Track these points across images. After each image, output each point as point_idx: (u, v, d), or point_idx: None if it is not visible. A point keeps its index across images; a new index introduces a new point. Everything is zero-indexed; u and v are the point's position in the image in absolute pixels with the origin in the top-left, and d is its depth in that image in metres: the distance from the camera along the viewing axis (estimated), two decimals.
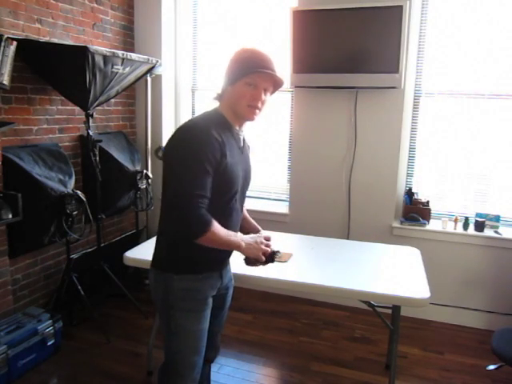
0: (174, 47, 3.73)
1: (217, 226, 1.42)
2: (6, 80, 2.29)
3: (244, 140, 1.63)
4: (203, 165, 1.37)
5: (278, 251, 1.59)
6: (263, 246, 1.54)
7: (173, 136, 1.44)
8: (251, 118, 1.52)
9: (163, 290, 1.53)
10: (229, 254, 1.66)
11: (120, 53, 2.76)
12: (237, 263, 1.84)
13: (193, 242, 1.43)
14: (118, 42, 3.45)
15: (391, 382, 2.08)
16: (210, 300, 1.60)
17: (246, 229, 1.81)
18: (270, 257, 1.57)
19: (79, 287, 2.86)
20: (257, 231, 1.80)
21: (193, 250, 1.49)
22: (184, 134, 1.43)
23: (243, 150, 1.59)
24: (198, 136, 1.39)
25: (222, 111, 1.53)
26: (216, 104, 1.56)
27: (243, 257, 1.58)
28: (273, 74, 1.45)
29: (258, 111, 1.50)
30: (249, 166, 1.66)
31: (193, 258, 1.53)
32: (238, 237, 1.53)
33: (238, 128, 1.56)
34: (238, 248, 1.50)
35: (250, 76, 1.44)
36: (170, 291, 1.52)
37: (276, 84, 1.51)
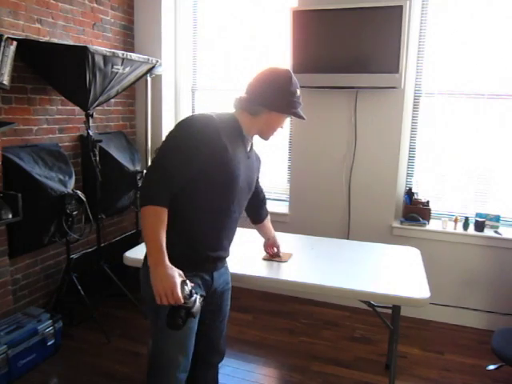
0: (174, 47, 3.74)
1: (156, 213, 1.37)
2: (6, 80, 2.29)
3: (252, 147, 1.67)
4: (190, 149, 1.41)
5: (191, 311, 1.31)
6: (177, 292, 1.30)
7: (182, 120, 1.49)
8: (268, 139, 1.65)
9: (150, 287, 1.46)
10: (220, 254, 1.63)
11: (120, 53, 2.76)
12: (235, 263, 1.84)
13: (176, 240, 1.49)
14: (118, 41, 3.45)
15: (391, 382, 2.08)
16: None
17: (264, 236, 2.10)
18: (177, 312, 1.30)
19: (79, 287, 2.86)
20: (269, 237, 2.09)
21: (177, 248, 1.49)
22: (189, 119, 1.45)
23: (249, 155, 1.62)
24: (199, 123, 1.43)
25: (239, 120, 1.56)
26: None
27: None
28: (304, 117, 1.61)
29: None
30: (253, 172, 1.67)
31: (186, 253, 1.53)
32: (162, 253, 1.35)
33: (249, 135, 1.60)
34: (152, 261, 1.35)
35: (289, 115, 1.58)
36: None
37: None
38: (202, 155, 1.42)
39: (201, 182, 1.46)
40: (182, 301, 1.30)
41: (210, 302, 1.65)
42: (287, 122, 1.67)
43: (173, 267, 1.36)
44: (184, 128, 1.44)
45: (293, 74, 1.55)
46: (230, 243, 1.68)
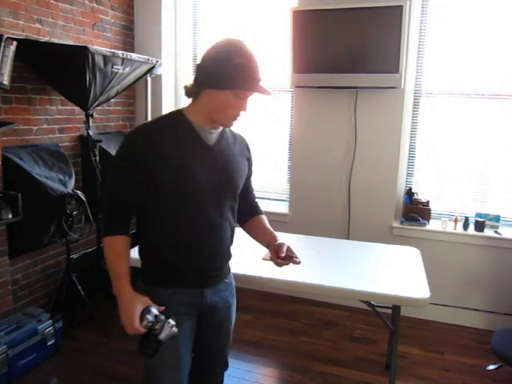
0: (174, 47, 3.74)
1: (110, 244, 1.34)
2: (6, 80, 2.29)
3: (223, 138, 1.42)
4: (129, 170, 1.31)
5: (158, 338, 1.27)
6: (134, 323, 1.28)
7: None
8: (230, 126, 1.40)
9: None
10: (207, 266, 1.44)
11: (120, 53, 2.76)
12: (235, 263, 1.83)
13: (152, 256, 1.42)
14: (118, 41, 3.45)
15: (391, 382, 2.08)
16: (185, 318, 1.41)
17: (260, 239, 1.59)
18: (146, 340, 1.30)
19: (79, 287, 2.87)
20: (271, 241, 1.50)
21: (160, 259, 1.40)
22: (125, 137, 1.37)
23: (215, 147, 1.39)
24: (131, 140, 1.32)
25: (186, 113, 1.36)
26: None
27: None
28: (268, 92, 1.30)
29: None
30: (229, 164, 1.42)
31: (160, 269, 1.42)
32: (121, 283, 1.31)
33: (208, 127, 1.37)
34: (114, 291, 1.32)
35: (244, 91, 1.28)
36: None
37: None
38: (141, 170, 1.29)
39: (157, 194, 1.33)
40: (142, 330, 1.27)
41: (201, 320, 1.49)
42: (254, 104, 1.39)
43: (134, 295, 1.31)
44: (118, 150, 1.36)
45: (242, 43, 1.27)
46: (221, 253, 1.46)
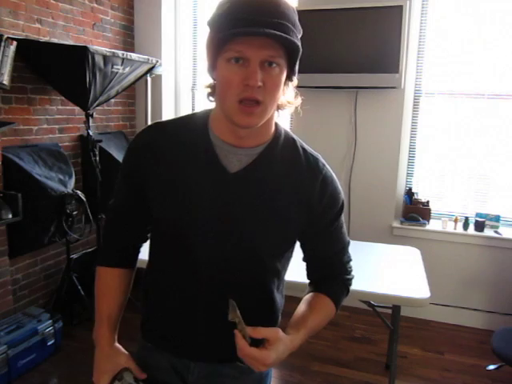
0: (174, 47, 3.74)
1: (99, 276, 1.05)
2: (6, 80, 2.29)
3: (261, 162, 0.91)
4: (121, 177, 1.01)
5: None
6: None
7: None
8: (245, 124, 0.83)
9: None
10: (202, 337, 0.99)
11: (120, 53, 2.76)
12: None
13: (148, 286, 1.07)
14: (117, 41, 3.45)
15: (391, 382, 2.08)
16: None
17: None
18: None
19: (79, 287, 2.86)
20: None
21: (147, 296, 1.07)
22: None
23: (235, 179, 0.90)
24: (132, 142, 0.99)
25: (211, 119, 0.94)
26: None
27: None
28: (268, 32, 0.75)
29: (258, 109, 0.81)
30: (250, 206, 0.91)
31: (145, 310, 1.10)
32: (102, 327, 1.03)
33: (233, 144, 0.90)
34: (94, 335, 1.05)
35: (230, 46, 0.79)
36: None
37: (288, 45, 0.79)
38: (136, 181, 0.97)
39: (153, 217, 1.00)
40: None
41: None
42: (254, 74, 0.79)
43: (112, 350, 1.03)
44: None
45: None
46: (214, 329, 0.98)
